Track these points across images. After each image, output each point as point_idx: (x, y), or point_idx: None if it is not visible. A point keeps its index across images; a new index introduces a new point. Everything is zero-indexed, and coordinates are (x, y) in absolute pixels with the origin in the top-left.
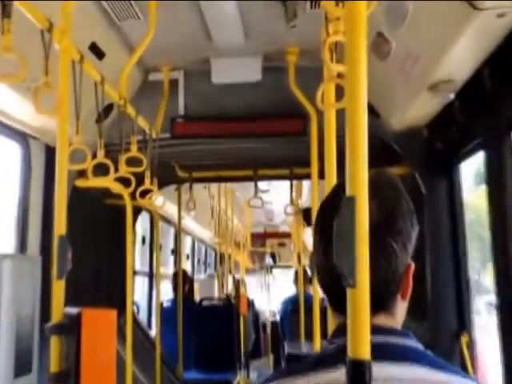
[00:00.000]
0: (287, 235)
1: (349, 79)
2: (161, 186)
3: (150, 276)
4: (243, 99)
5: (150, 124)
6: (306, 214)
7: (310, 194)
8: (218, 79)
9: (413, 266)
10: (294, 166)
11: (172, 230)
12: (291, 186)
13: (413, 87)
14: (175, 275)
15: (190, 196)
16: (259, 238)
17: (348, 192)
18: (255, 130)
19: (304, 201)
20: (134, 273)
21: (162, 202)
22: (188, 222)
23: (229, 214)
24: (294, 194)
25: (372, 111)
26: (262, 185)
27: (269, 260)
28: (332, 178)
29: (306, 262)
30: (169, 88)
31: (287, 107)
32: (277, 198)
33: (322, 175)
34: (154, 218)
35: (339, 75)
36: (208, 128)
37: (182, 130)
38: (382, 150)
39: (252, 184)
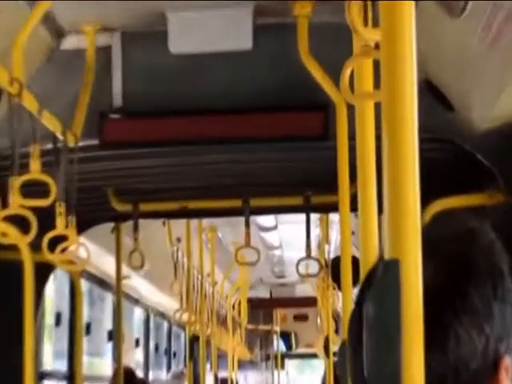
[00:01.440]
0: (309, 301)
1: (384, 52)
2: (86, 226)
3: (70, 379)
4: (223, 81)
5: (65, 124)
6: (336, 267)
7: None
8: (180, 47)
9: (507, 361)
10: (310, 190)
11: (110, 299)
12: (308, 222)
13: (506, 60)
14: (115, 376)
15: (134, 243)
16: (262, 308)
17: (387, 252)
18: (245, 131)
19: (334, 246)
20: (42, 376)
21: (87, 254)
22: (137, 284)
23: (207, 268)
24: (317, 234)
25: (441, 100)
26: (264, 219)
27: (279, 345)
28: (370, 210)
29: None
30: (96, 63)
31: (297, 94)
32: (290, 239)
33: (355, 204)
34: (75, 280)
35: (378, 46)
36: (164, 129)
37: (119, 134)
38: (455, 165)
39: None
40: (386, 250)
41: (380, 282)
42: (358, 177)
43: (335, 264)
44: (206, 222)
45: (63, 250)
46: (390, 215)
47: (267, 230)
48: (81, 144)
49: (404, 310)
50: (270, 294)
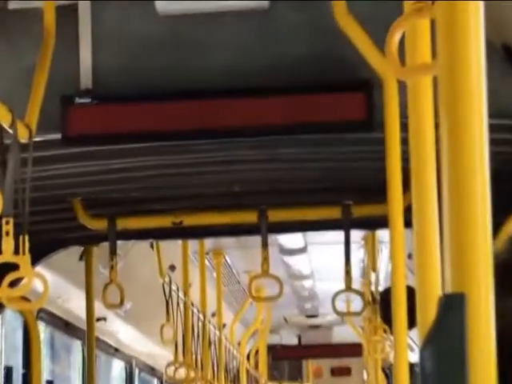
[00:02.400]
0: (352, 350)
1: (443, 8)
2: (44, 251)
3: None
4: (229, 53)
5: (15, 112)
6: (387, 303)
7: (392, 258)
8: (170, 6)
9: None
10: (350, 199)
11: (79, 348)
12: (347, 242)
13: None
14: None
15: (111, 273)
16: (288, 359)
17: (450, 284)
18: (259, 120)
19: (384, 273)
20: None
21: (45, 288)
22: (116, 328)
23: (211, 306)
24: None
25: None
26: (289, 239)
27: None
28: (430, 226)
29: None
30: (57, 29)
31: (329, 69)
32: (324, 265)
33: (410, 218)
34: (30, 324)
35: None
36: (149, 118)
37: (89, 125)
38: None
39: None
40: (449, 281)
41: (440, 323)
42: (413, 181)
43: (385, 298)
44: (209, 243)
45: (13, 284)
46: (453, 236)
47: (293, 253)
48: (37, 139)
49: (471, 357)
50: (299, 339)
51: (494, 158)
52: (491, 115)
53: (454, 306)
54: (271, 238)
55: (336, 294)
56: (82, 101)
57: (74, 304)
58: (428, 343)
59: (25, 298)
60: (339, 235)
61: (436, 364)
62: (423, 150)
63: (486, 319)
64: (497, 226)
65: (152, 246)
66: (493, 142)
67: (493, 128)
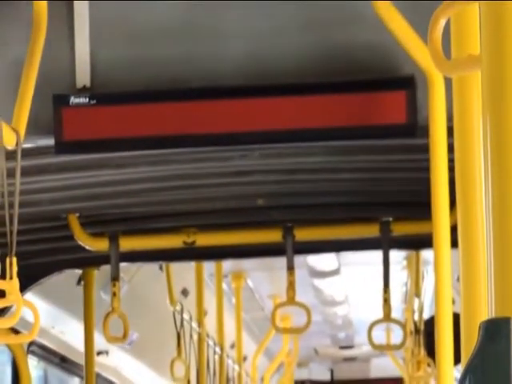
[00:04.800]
0: None
1: None
2: (35, 277)
3: None
4: (247, 46)
5: (0, 114)
6: (431, 333)
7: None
8: None
9: None
10: (389, 215)
11: None
12: (386, 264)
13: None
14: None
15: (113, 300)
16: None
17: (495, 308)
18: (281, 123)
19: (430, 300)
20: None
21: (37, 318)
22: (119, 364)
23: (230, 337)
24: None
25: None
26: (319, 260)
27: None
28: (477, 246)
29: None
30: (49, 17)
31: (363, 64)
32: (359, 290)
33: (456, 240)
34: (18, 359)
35: None
36: (156, 121)
37: (86, 129)
38: None
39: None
40: (494, 305)
41: (481, 351)
42: (458, 195)
43: (430, 328)
44: (227, 264)
45: (0, 314)
46: (498, 255)
47: (324, 275)
48: (26, 146)
49: None
50: (331, 374)
51: None
52: None
53: (498, 333)
54: (299, 258)
55: (372, 325)
56: (79, 101)
57: (70, 336)
58: (468, 374)
59: (14, 330)
60: (378, 255)
61: None
62: (470, 159)
63: None
64: None
65: (161, 268)
66: None
67: None
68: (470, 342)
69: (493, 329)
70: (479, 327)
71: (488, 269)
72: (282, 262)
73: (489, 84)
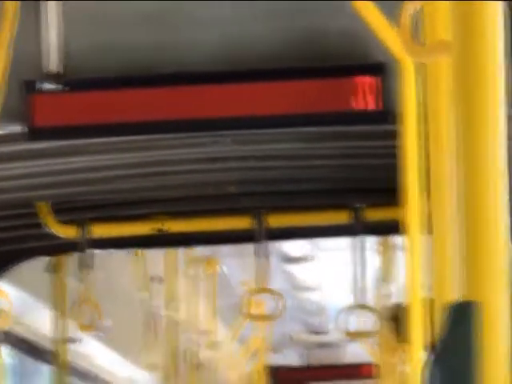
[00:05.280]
0: (365, 370)
1: None
2: (4, 264)
3: None
4: (222, 30)
5: None
6: (398, 318)
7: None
8: None
9: None
10: (361, 202)
11: (47, 374)
12: (358, 250)
13: None
14: None
15: (83, 288)
16: (292, 381)
17: (463, 291)
18: (254, 109)
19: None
20: None
21: (9, 305)
22: (92, 351)
23: (203, 323)
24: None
25: None
26: (292, 247)
27: None
28: (449, 230)
29: None
30: (19, 3)
31: (336, 50)
32: (332, 275)
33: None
34: None
35: None
36: (127, 107)
37: (57, 116)
38: None
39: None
40: (460, 288)
41: (449, 332)
42: (432, 181)
43: (403, 314)
44: (200, 251)
45: None
46: (464, 240)
47: (297, 261)
48: None
49: (485, 374)
50: (305, 359)
51: None
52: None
53: (464, 315)
54: (272, 245)
55: (344, 311)
56: (50, 87)
57: (41, 324)
58: (435, 356)
59: None
60: (349, 241)
61: (443, 380)
62: (443, 146)
63: (503, 331)
64: None
65: (133, 255)
66: None
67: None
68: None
69: (459, 312)
70: (446, 311)
71: (455, 253)
72: (254, 247)
73: (458, 70)
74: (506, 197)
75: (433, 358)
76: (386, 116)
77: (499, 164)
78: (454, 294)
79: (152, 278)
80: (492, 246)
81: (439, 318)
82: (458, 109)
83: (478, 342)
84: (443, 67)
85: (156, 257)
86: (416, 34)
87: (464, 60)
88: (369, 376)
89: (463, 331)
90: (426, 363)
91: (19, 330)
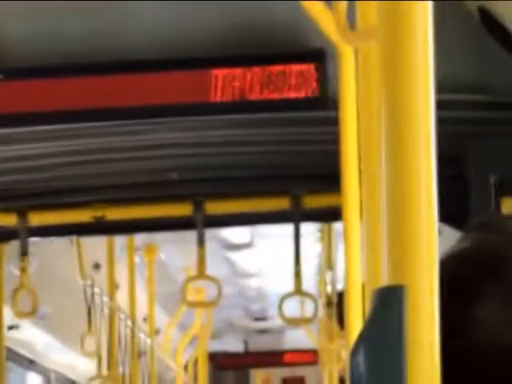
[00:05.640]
0: (306, 357)
1: None
2: None
3: None
4: (160, 14)
5: None
6: (342, 305)
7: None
8: None
9: None
10: (300, 188)
11: None
12: (297, 238)
13: None
14: None
15: (21, 275)
16: (232, 368)
17: (388, 275)
18: (192, 95)
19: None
20: None
21: None
22: (31, 337)
23: (142, 310)
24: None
25: (502, 39)
26: (233, 233)
27: None
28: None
29: None
30: None
31: (273, 36)
32: (273, 262)
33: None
34: None
35: None
36: (64, 95)
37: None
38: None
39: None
40: (387, 272)
41: (375, 317)
42: (362, 168)
43: (342, 300)
44: (139, 237)
45: None
46: (390, 223)
47: (238, 248)
48: None
49: (410, 360)
50: (245, 345)
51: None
52: (462, 89)
53: (390, 300)
54: (212, 231)
55: (283, 298)
56: None
57: None
58: (360, 343)
59: None
60: (291, 228)
61: (368, 367)
62: (372, 132)
63: (429, 315)
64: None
65: (72, 243)
66: (444, 121)
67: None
68: None
69: (385, 296)
70: (372, 296)
71: (383, 237)
72: (194, 235)
73: (384, 54)
74: (435, 180)
75: (358, 343)
76: (325, 102)
77: (428, 148)
78: (383, 279)
79: (92, 265)
80: (419, 228)
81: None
82: (385, 94)
83: (403, 326)
84: (374, 53)
85: (95, 244)
86: (351, 18)
87: (389, 44)
88: (310, 362)
89: (389, 315)
90: (352, 349)
91: None
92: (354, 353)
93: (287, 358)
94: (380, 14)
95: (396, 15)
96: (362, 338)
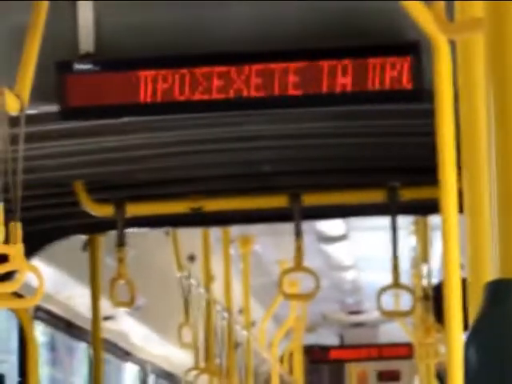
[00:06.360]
0: (401, 351)
1: None
2: (40, 242)
3: None
4: (253, 8)
5: (3, 80)
6: (440, 298)
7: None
8: None
9: None
10: (396, 180)
11: (83, 352)
12: (394, 229)
13: None
14: None
15: (119, 266)
16: (327, 362)
17: (499, 269)
18: (287, 88)
19: (438, 266)
20: None
21: (41, 283)
22: (127, 329)
23: (237, 302)
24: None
25: None
26: (328, 225)
27: None
28: (482, 210)
29: None
30: None
31: (369, 29)
32: (369, 254)
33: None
34: (24, 325)
35: None
36: (163, 87)
37: (90, 95)
38: None
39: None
40: (498, 266)
41: (487, 311)
42: (464, 160)
43: (439, 294)
44: (234, 229)
45: (3, 278)
46: (502, 217)
47: (333, 240)
48: (29, 112)
49: None
50: (340, 339)
51: None
52: None
53: (502, 293)
54: (307, 223)
55: (381, 291)
56: (82, 67)
57: (77, 301)
58: (472, 337)
59: (19, 295)
60: (386, 220)
61: (480, 360)
62: (475, 123)
63: None
64: None
65: (168, 234)
66: None
67: None
68: (477, 305)
69: (497, 290)
70: (484, 289)
71: (492, 231)
72: (289, 226)
73: (491, 47)
74: None
75: (470, 338)
76: (420, 95)
77: None
78: (490, 273)
79: (187, 257)
80: None
81: (475, 297)
82: (492, 86)
83: None
84: (476, 45)
85: (191, 236)
86: (449, 12)
87: (497, 37)
88: (405, 356)
89: (501, 310)
90: (465, 344)
91: (55, 308)
92: (465, 348)
93: (383, 351)
94: (488, 8)
95: (505, 8)
96: (475, 331)
